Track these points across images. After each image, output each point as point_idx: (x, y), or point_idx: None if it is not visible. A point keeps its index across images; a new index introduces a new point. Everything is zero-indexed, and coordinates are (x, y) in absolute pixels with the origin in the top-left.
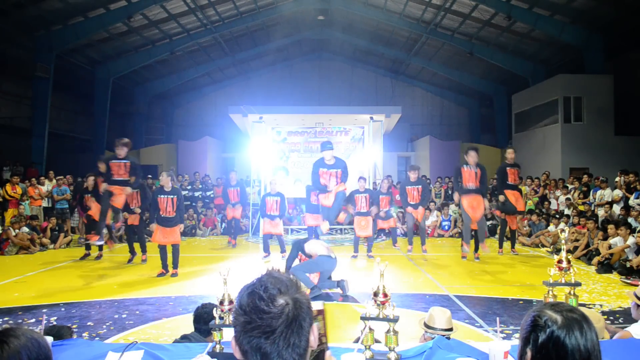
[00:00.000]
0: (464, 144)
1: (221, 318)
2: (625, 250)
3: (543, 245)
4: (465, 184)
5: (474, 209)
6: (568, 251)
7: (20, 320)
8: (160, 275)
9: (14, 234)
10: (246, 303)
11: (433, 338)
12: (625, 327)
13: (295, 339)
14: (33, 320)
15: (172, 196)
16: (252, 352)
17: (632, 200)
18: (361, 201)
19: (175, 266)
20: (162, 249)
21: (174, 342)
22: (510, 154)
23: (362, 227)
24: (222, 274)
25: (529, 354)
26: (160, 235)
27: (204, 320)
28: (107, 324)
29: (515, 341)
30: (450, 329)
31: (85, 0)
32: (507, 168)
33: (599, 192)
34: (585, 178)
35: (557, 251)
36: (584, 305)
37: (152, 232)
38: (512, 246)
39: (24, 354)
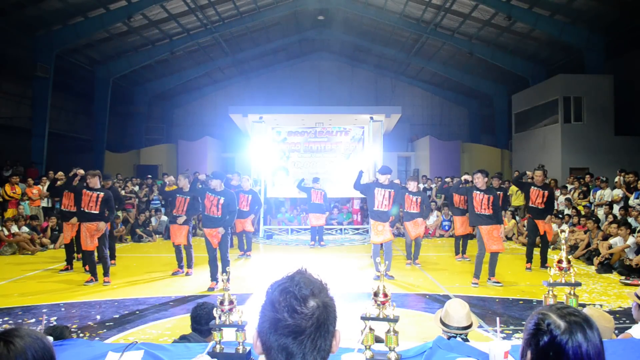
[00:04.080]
0: (464, 144)
1: (221, 318)
2: (625, 250)
3: None
4: (477, 210)
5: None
6: (569, 251)
7: (20, 320)
8: (175, 273)
9: (6, 233)
10: (278, 300)
11: (453, 336)
12: (627, 328)
13: (322, 342)
14: (33, 320)
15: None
16: (278, 350)
17: (632, 200)
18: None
19: (188, 265)
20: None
21: (173, 342)
22: (538, 175)
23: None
24: (222, 274)
25: (528, 356)
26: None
27: (205, 321)
28: (107, 324)
29: (515, 341)
30: (469, 326)
31: (85, 0)
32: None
33: (598, 192)
34: (587, 178)
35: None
36: (583, 305)
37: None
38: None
39: (29, 353)
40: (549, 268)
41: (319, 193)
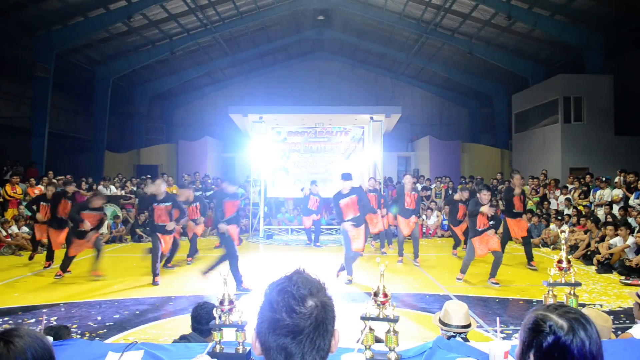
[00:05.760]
0: (464, 144)
1: (221, 318)
2: (625, 250)
3: (544, 245)
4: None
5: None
6: (569, 251)
7: (20, 320)
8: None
9: (4, 234)
10: (276, 300)
11: (453, 336)
12: (627, 328)
13: (321, 342)
14: (33, 320)
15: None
16: (277, 350)
17: (632, 200)
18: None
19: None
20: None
21: (173, 342)
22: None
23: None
24: (222, 274)
25: (532, 358)
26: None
27: (205, 320)
28: (107, 324)
29: (516, 341)
30: (468, 325)
31: (85, 0)
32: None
33: (598, 192)
34: (587, 178)
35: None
36: (583, 305)
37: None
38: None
39: (29, 353)
40: (543, 269)
41: (315, 200)
